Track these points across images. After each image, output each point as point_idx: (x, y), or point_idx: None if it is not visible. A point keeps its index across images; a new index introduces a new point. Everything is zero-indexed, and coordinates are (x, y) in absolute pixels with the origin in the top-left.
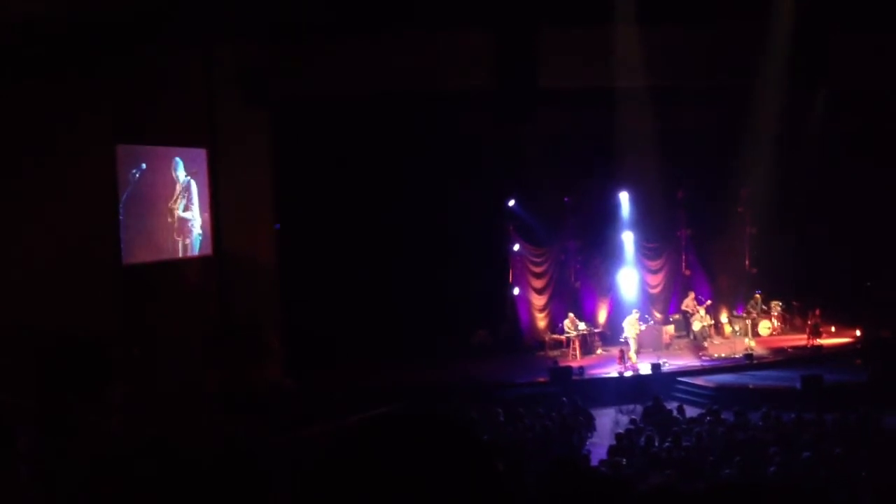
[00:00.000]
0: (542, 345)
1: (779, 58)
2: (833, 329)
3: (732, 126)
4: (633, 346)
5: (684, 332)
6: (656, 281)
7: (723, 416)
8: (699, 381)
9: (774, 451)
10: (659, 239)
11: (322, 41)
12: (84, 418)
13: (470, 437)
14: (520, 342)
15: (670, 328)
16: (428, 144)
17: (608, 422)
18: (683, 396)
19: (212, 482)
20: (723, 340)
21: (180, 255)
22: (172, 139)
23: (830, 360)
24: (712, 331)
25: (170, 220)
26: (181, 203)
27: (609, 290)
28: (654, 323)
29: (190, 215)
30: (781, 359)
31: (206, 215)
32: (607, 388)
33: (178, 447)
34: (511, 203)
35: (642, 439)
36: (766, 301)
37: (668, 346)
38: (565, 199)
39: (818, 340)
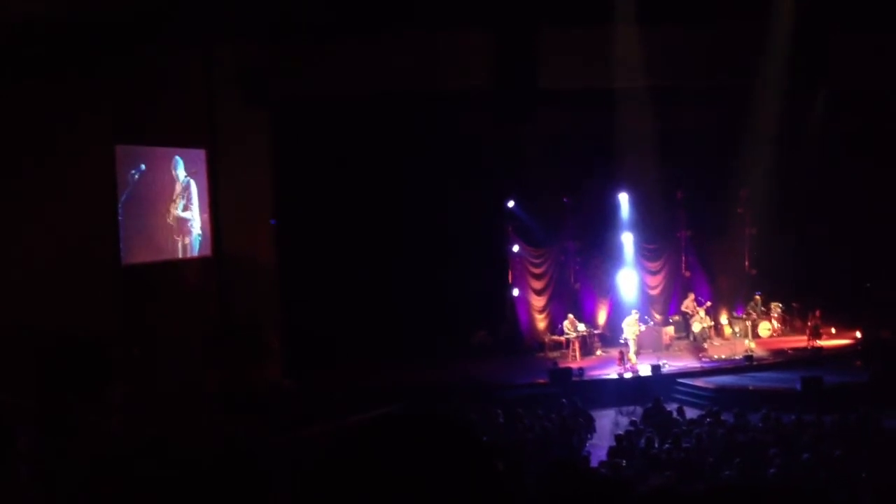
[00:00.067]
0: (541, 346)
1: (779, 58)
2: (833, 330)
3: (732, 126)
4: (632, 347)
5: (684, 334)
6: (656, 282)
7: (723, 418)
8: (699, 382)
9: (774, 453)
10: (658, 240)
11: (322, 41)
12: (84, 418)
13: (470, 437)
14: (519, 343)
15: (670, 329)
16: (428, 144)
17: (608, 423)
18: (683, 398)
19: (212, 482)
20: (723, 342)
21: (180, 255)
22: (172, 139)
23: (830, 362)
24: (712, 332)
25: (169, 220)
26: (181, 203)
27: (609, 292)
28: (654, 324)
29: (189, 215)
30: (781, 360)
31: (206, 216)
32: (607, 389)
33: (178, 447)
34: (510, 204)
35: (642, 441)
36: (766, 302)
37: (667, 347)
38: (565, 199)
39: (818, 342)
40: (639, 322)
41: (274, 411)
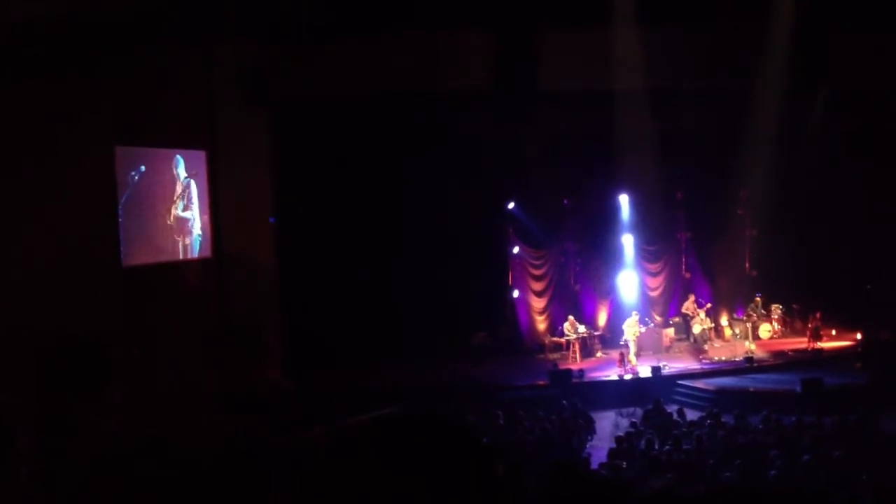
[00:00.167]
0: (541, 347)
1: (779, 58)
2: (833, 332)
3: (732, 127)
4: (632, 348)
5: (684, 335)
6: (656, 283)
7: (723, 420)
8: (699, 384)
9: (775, 455)
10: (659, 241)
11: (322, 41)
12: (84, 418)
13: (470, 438)
14: (519, 345)
15: (670, 331)
16: (428, 144)
17: (608, 425)
18: (683, 399)
19: (212, 482)
20: (723, 343)
21: (180, 256)
22: (172, 140)
23: (831, 364)
24: (712, 334)
25: (169, 221)
26: (181, 203)
27: (609, 293)
28: (654, 326)
29: (189, 214)
30: (782, 362)
31: (206, 217)
32: (607, 390)
33: (178, 447)
34: (511, 206)
35: (642, 442)
36: (767, 304)
37: (668, 348)
38: (565, 201)
39: (818, 343)
40: (639, 324)
41: (274, 411)
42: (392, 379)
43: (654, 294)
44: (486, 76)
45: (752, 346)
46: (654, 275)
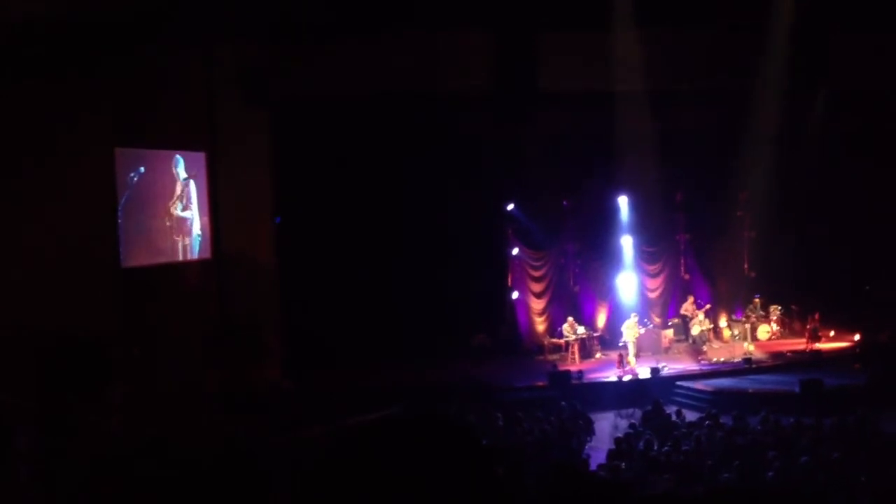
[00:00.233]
0: (540, 349)
1: (779, 58)
2: (832, 333)
3: (732, 127)
4: (632, 350)
5: (683, 336)
6: (655, 285)
7: (722, 421)
8: (698, 385)
9: (773, 456)
10: (658, 243)
11: (322, 41)
12: (84, 418)
13: (470, 439)
14: (519, 346)
15: (669, 332)
16: (428, 144)
17: (607, 426)
18: (682, 400)
19: (212, 482)
20: (722, 344)
21: (180, 256)
22: (172, 140)
23: (829, 365)
24: (711, 335)
25: (168, 222)
26: (179, 204)
27: (608, 294)
28: (653, 327)
29: (189, 215)
30: (780, 363)
31: (206, 218)
32: (606, 392)
33: (178, 447)
34: (510, 207)
35: (641, 443)
36: (766, 305)
37: (667, 350)
38: (564, 202)
39: (817, 345)
40: (638, 325)
41: (274, 411)
42: (392, 379)
43: (653, 295)
44: (486, 76)
45: (751, 348)
46: (654, 276)
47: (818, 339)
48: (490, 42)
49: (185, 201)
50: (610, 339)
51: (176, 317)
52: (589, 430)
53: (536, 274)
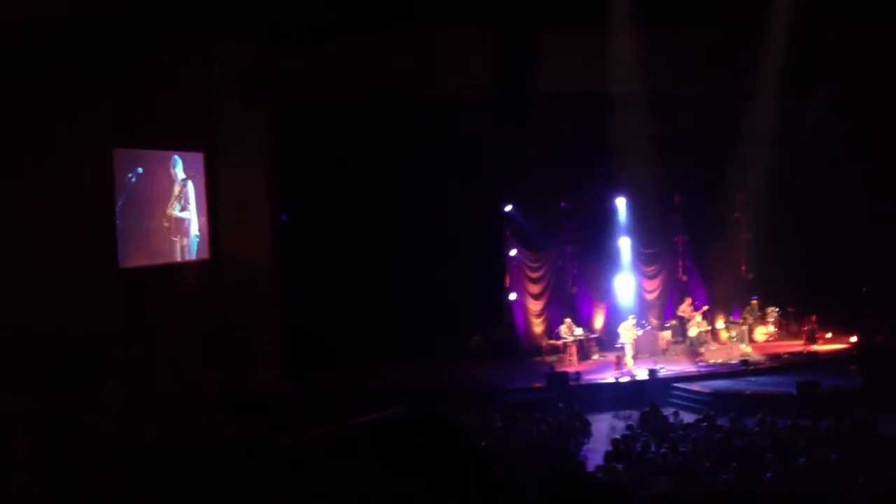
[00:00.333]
0: (538, 350)
1: (778, 59)
2: (829, 335)
3: (731, 128)
4: (629, 351)
5: (681, 338)
6: (653, 286)
7: (719, 422)
8: (695, 386)
9: (770, 458)
10: (656, 244)
11: (322, 41)
12: (84, 418)
13: (469, 440)
14: (516, 347)
15: (667, 334)
16: (428, 144)
17: (604, 427)
18: (680, 402)
19: (212, 482)
20: (719, 346)
21: (178, 257)
22: (171, 140)
23: (826, 366)
24: (708, 336)
25: (166, 223)
26: (178, 204)
27: (606, 296)
28: (651, 328)
29: (187, 215)
30: (777, 365)
31: (204, 218)
32: (604, 393)
33: (178, 447)
34: (508, 208)
35: (638, 445)
36: (763, 307)
37: (664, 351)
38: (562, 204)
39: (814, 346)
40: (636, 326)
41: (274, 411)
42: (392, 379)
43: (650, 297)
44: (486, 76)
45: (748, 349)
46: (651, 278)
47: (815, 341)
48: (490, 42)
49: (183, 202)
50: (607, 340)
51: (175, 317)
52: (586, 431)
53: (534, 275)
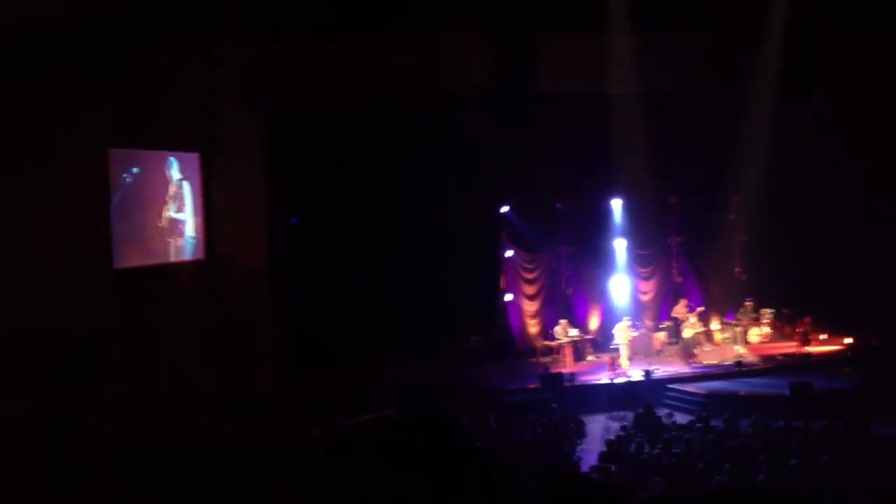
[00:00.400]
0: (533, 351)
1: (777, 59)
2: (823, 337)
3: (730, 128)
4: (624, 352)
5: (675, 339)
6: (648, 288)
7: (713, 423)
8: (689, 387)
9: (763, 459)
10: (651, 246)
11: (322, 41)
12: (84, 418)
13: (468, 440)
14: (511, 348)
15: (661, 335)
16: (428, 144)
17: (599, 428)
18: (674, 403)
19: (212, 482)
20: (713, 347)
21: (172, 257)
22: (170, 140)
23: (820, 368)
24: (703, 338)
25: (160, 224)
26: (173, 205)
27: (601, 297)
28: (646, 330)
29: (182, 216)
30: (771, 366)
31: (199, 219)
32: (598, 394)
33: (178, 447)
34: (504, 209)
35: (633, 446)
36: (757, 308)
37: (658, 352)
38: (558, 205)
39: (808, 348)
40: (630, 327)
41: (274, 411)
42: (391, 379)
43: (645, 298)
44: (486, 76)
45: (742, 350)
46: (646, 279)
47: (809, 343)
48: (490, 42)
49: (178, 203)
50: (602, 341)
51: (175, 317)
52: (580, 432)
53: (529, 276)
